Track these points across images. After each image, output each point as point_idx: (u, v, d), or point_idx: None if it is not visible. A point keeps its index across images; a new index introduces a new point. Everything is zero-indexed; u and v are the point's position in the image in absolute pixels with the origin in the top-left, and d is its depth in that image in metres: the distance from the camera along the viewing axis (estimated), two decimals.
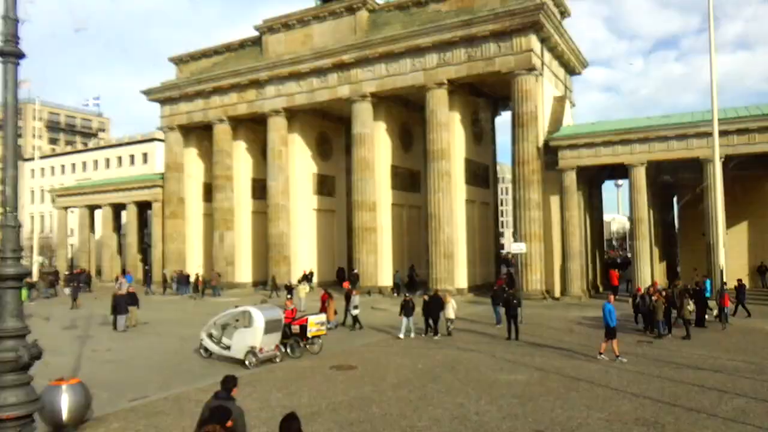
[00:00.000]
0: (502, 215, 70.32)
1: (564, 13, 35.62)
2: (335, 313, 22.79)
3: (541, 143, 30.29)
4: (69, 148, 77.31)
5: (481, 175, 37.57)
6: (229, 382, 6.75)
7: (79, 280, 38.21)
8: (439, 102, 32.82)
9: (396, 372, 13.92)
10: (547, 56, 32.81)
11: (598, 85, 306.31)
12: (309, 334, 16.03)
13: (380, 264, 35.77)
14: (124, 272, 41.49)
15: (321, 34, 36.97)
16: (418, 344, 18.00)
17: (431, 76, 32.72)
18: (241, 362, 14.89)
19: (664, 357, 15.14)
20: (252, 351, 14.61)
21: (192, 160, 44.97)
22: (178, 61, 44.84)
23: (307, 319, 16.17)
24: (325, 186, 42.76)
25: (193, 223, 44.72)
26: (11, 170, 7.48)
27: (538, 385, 12.27)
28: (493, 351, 16.32)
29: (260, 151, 44.03)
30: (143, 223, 48.70)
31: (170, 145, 43.95)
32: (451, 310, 19.26)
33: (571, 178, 29.54)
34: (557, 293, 30.32)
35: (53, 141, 79.73)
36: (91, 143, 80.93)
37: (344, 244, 44.69)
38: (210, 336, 16.11)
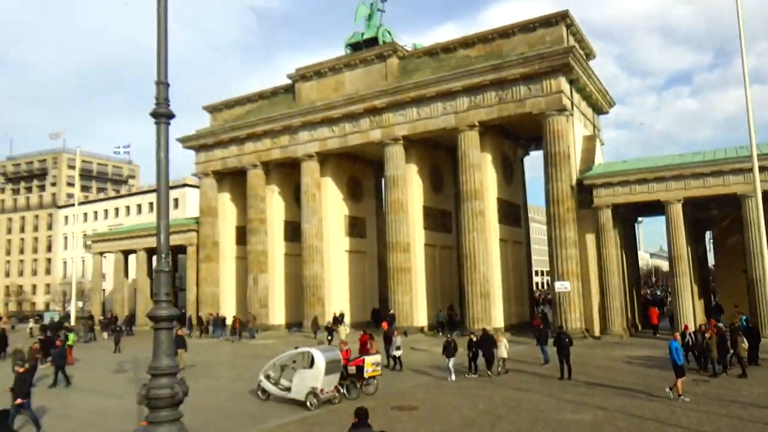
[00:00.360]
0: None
1: (589, 55, 36.41)
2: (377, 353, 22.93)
3: (574, 182, 30.63)
4: (101, 195, 79.35)
5: (512, 214, 37.87)
6: (364, 412, 7.23)
7: (121, 325, 38.74)
8: (470, 143, 33.49)
9: (458, 413, 14.01)
10: (576, 96, 33.48)
11: (612, 122, 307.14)
12: (366, 375, 16.23)
13: (415, 304, 35.88)
14: None
15: (352, 81, 38.20)
16: (469, 384, 18.05)
17: (462, 119, 33.50)
18: (301, 403, 15.08)
19: (725, 396, 15.02)
20: (313, 392, 14.82)
21: (225, 204, 45.98)
22: (212, 109, 46.44)
23: (363, 360, 16.39)
24: (356, 227, 43.35)
25: (227, 266, 45.38)
26: (164, 219, 8.01)
27: (607, 424, 12.30)
28: (550, 390, 16.31)
29: (292, 195, 45.01)
30: (175, 268, 49.46)
31: (205, 191, 45.07)
32: (504, 349, 19.34)
33: (606, 216, 29.71)
34: (596, 332, 30.04)
35: (86, 188, 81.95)
36: (123, 190, 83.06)
37: (375, 284, 44.97)
38: (267, 377, 16.36)
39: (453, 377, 18.72)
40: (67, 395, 18.89)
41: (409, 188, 36.70)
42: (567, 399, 15.06)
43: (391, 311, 34.91)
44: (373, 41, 39.94)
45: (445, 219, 41.33)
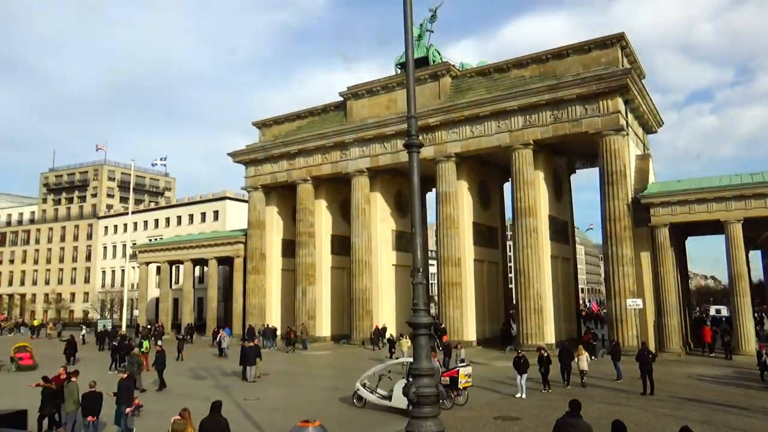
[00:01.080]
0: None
1: (641, 75, 36.94)
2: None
3: (630, 200, 31.04)
4: (141, 207, 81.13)
5: (561, 230, 38.29)
6: (578, 404, 8.23)
7: (184, 334, 39.69)
8: (525, 161, 34.09)
9: (549, 417, 14.46)
10: (630, 116, 33.99)
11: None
12: (460, 385, 16.78)
13: (465, 318, 36.33)
14: (221, 327, 42.69)
15: (404, 100, 38.92)
16: (552, 397, 18.46)
17: (517, 137, 34.15)
18: (402, 411, 15.62)
19: None
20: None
21: (272, 217, 46.99)
22: (261, 125, 47.66)
23: (458, 371, 16.96)
24: (402, 242, 44.03)
25: (273, 278, 46.29)
26: (419, 238, 9.22)
27: None
28: (640, 404, 16.73)
29: (338, 209, 46.03)
30: (223, 279, 50.51)
31: (254, 204, 46.13)
32: (585, 362, 19.80)
33: (664, 235, 30.04)
34: (652, 349, 30.20)
35: (124, 200, 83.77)
36: (161, 201, 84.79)
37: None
38: (364, 386, 16.98)
39: (524, 395, 18.48)
40: (165, 399, 19.66)
41: (460, 204, 37.35)
42: (663, 413, 15.47)
43: (442, 325, 35.42)
44: (423, 61, 40.92)
45: (492, 234, 41.88)
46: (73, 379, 13.93)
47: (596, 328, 46.67)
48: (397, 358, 28.01)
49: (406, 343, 29.42)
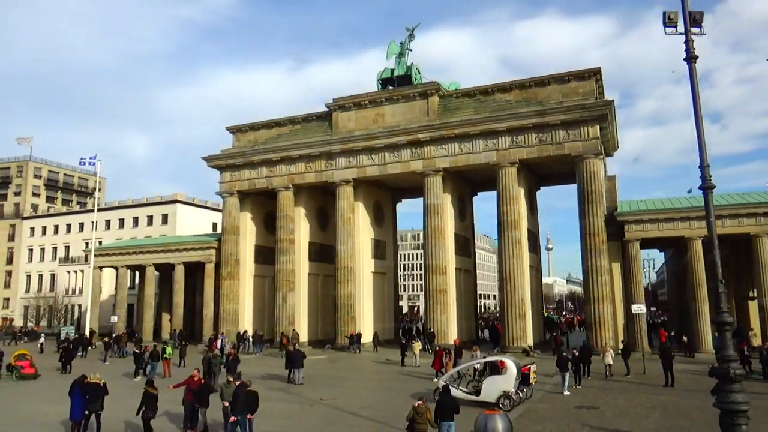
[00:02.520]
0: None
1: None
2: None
3: (605, 217, 34.91)
4: (66, 208, 76.53)
5: (534, 242, 41.84)
6: None
7: (182, 340, 38.64)
8: (510, 179, 37.14)
9: (635, 410, 17.05)
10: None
11: None
12: (532, 381, 18.93)
13: (450, 322, 38.69)
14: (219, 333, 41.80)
15: (393, 114, 41.00)
16: (595, 390, 21.10)
17: (504, 156, 37.14)
18: (489, 405, 17.47)
19: None
20: (506, 395, 17.35)
21: (246, 223, 46.90)
22: (236, 130, 47.54)
23: (529, 368, 19.09)
24: (379, 250, 45.75)
25: (246, 284, 46.20)
26: (715, 250, 11.26)
27: None
28: (676, 394, 19.74)
29: (315, 217, 47.01)
30: (188, 285, 49.41)
31: (229, 209, 45.83)
32: (610, 357, 22.73)
33: (636, 248, 34.18)
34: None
35: (50, 199, 78.50)
36: (90, 202, 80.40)
37: (392, 304, 47.57)
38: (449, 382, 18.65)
39: (567, 391, 20.75)
40: None
41: (445, 216, 39.77)
42: (701, 402, 18.50)
43: (431, 329, 37.56)
44: (406, 78, 43.13)
45: (467, 244, 44.72)
46: (230, 379, 14.47)
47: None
48: (414, 364, 29.87)
49: (417, 347, 31.27)
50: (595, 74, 36.72)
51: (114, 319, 44.01)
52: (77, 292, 66.07)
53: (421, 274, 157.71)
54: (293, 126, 45.40)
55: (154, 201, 65.30)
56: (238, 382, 14.33)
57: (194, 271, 49.49)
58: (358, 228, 42.80)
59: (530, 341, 36.92)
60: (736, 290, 37.68)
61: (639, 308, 25.76)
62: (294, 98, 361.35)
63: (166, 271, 51.29)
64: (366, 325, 42.24)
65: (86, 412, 14.17)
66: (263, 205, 48.53)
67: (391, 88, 42.81)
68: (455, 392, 18.42)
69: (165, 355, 26.91)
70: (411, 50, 45.03)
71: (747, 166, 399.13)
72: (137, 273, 56.74)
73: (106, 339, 35.09)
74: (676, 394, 19.96)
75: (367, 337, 40.83)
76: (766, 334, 30.97)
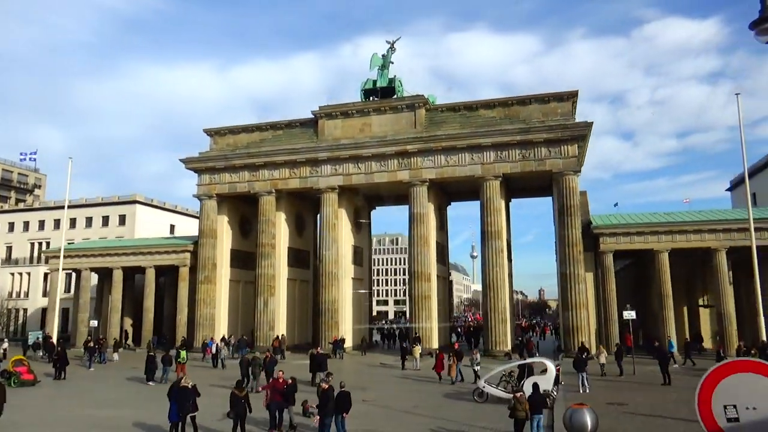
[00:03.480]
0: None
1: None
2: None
3: (581, 230, 37.64)
4: (6, 206, 72.09)
5: (509, 251, 44.19)
6: None
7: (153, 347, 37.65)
8: (494, 191, 39.26)
9: (663, 405, 19.09)
10: None
11: None
12: (561, 381, 20.63)
13: (433, 327, 40.19)
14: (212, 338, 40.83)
15: (380, 124, 42.17)
16: (603, 390, 23.15)
17: (488, 170, 39.19)
18: None
19: None
20: (547, 393, 18.90)
21: (223, 227, 46.47)
22: (214, 133, 47.03)
23: (559, 369, 20.78)
24: (357, 256, 46.68)
25: (223, 288, 45.78)
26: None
27: None
28: (684, 392, 22.07)
29: (294, 222, 47.34)
30: (157, 289, 48.18)
31: (207, 212, 45.24)
32: (603, 357, 24.98)
33: (609, 259, 37.12)
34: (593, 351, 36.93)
35: None
36: (30, 199, 76.10)
37: (366, 310, 48.62)
38: (489, 384, 20.04)
39: (588, 389, 22.91)
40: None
41: (429, 224, 41.33)
42: None
43: (417, 334, 38.87)
44: (390, 90, 44.50)
45: (444, 252, 46.49)
46: (324, 386, 14.96)
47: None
48: (415, 367, 31.07)
49: (418, 350, 32.52)
50: (572, 96, 39.52)
51: (94, 323, 42.23)
52: (22, 295, 62.35)
53: (386, 279, 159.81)
54: (275, 131, 45.55)
55: (110, 201, 62.78)
56: (326, 385, 14.95)
57: (162, 274, 48.38)
58: (342, 234, 43.56)
59: (509, 345, 39.02)
60: (690, 299, 41.47)
61: (630, 314, 28.20)
62: (222, 98, 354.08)
63: (128, 274, 49.54)
64: (347, 331, 43.07)
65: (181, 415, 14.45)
66: (238, 208, 48.31)
67: (373, 98, 43.93)
68: (497, 391, 19.91)
69: (179, 360, 26.65)
70: (393, 62, 46.39)
71: (656, 182, 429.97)
72: (72, 276, 54.46)
73: (91, 344, 33.89)
74: (681, 391, 22.29)
75: (347, 342, 41.68)
76: (726, 338, 34.47)
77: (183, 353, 27.90)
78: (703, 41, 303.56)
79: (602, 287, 37.36)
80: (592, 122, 37.60)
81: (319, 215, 43.29)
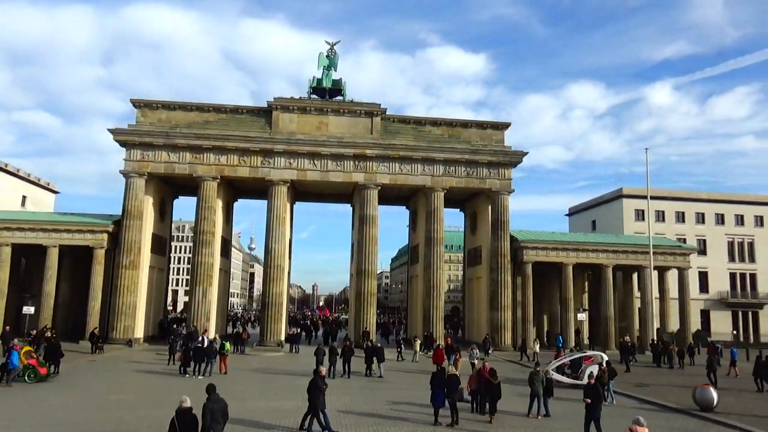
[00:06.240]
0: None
1: None
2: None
3: (509, 242, 44.26)
4: None
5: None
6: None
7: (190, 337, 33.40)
8: (440, 201, 43.84)
9: (676, 387, 25.50)
10: None
11: None
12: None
13: (372, 322, 43.00)
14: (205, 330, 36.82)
15: (337, 125, 43.58)
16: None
17: (437, 182, 43.60)
18: (581, 386, 23.88)
19: None
20: (592, 376, 23.93)
21: (148, 208, 42.87)
22: (143, 104, 43.10)
23: (592, 360, 25.94)
24: (290, 251, 47.03)
25: (144, 275, 42.30)
26: None
27: None
28: (650, 377, 29.10)
29: (225, 211, 46.00)
30: (75, 272, 42.03)
31: (135, 192, 41.16)
32: (537, 347, 31.28)
33: (529, 269, 44.34)
34: (513, 347, 43.81)
35: None
36: None
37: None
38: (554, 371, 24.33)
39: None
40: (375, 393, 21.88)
41: (377, 226, 44.08)
42: (665, 378, 28.14)
43: (367, 329, 41.37)
44: (336, 91, 46.27)
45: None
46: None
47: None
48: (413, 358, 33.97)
49: (418, 344, 35.42)
50: (505, 127, 46.04)
51: (30, 310, 35.22)
52: None
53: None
54: (219, 114, 43.56)
55: None
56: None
57: (65, 255, 42.57)
58: (289, 228, 43.78)
59: (441, 339, 43.80)
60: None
61: (582, 316, 35.08)
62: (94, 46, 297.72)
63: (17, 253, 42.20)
64: (283, 325, 43.44)
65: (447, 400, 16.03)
66: (160, 190, 45.11)
67: (316, 97, 44.90)
68: (560, 377, 24.38)
69: (224, 351, 25.55)
70: (336, 63, 47.78)
71: None
72: None
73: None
74: (647, 376, 29.33)
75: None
76: (601, 338, 43.94)
77: (227, 345, 26.63)
78: (473, 73, 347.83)
79: (522, 292, 44.39)
80: (528, 152, 44.53)
81: (267, 207, 42.72)
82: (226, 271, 50.23)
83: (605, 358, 24.42)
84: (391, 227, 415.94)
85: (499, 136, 45.68)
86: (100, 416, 16.42)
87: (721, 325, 57.32)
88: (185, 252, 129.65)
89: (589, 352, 26.60)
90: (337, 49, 48.00)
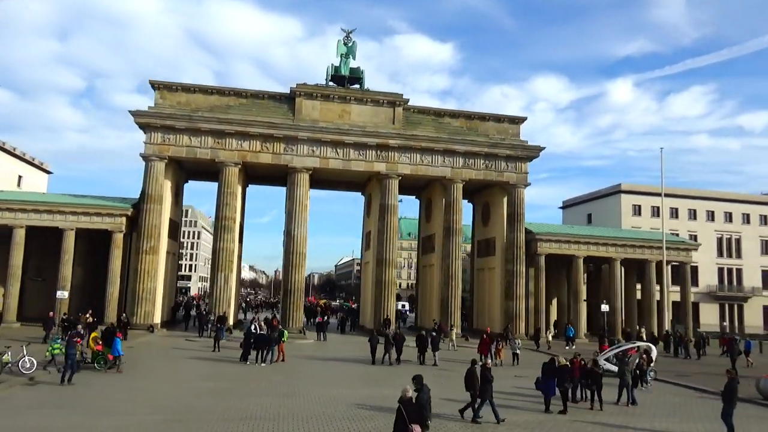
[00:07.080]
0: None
1: None
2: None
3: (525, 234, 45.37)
4: None
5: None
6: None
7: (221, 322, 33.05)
8: (459, 193, 44.58)
9: (692, 374, 26.95)
10: None
11: None
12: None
13: (392, 310, 43.55)
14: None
15: (359, 114, 43.65)
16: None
17: (457, 174, 44.26)
18: None
19: None
20: (637, 365, 25.15)
21: (167, 193, 42.20)
22: (163, 86, 42.22)
23: (636, 350, 27.10)
24: None
25: (162, 260, 41.73)
26: None
27: None
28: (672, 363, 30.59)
29: (242, 197, 45.65)
30: (93, 255, 40.97)
31: (155, 176, 40.45)
32: (550, 336, 32.60)
33: (542, 261, 45.57)
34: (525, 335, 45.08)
35: None
36: None
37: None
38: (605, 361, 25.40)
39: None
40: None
41: (397, 215, 44.52)
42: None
43: (387, 317, 41.90)
44: (355, 79, 46.31)
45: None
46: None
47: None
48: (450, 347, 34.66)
49: (454, 333, 36.09)
50: (522, 121, 46.94)
51: (62, 294, 34.14)
52: None
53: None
54: (240, 99, 43.07)
55: None
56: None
57: (78, 239, 41.52)
58: (308, 215, 43.79)
59: (459, 328, 44.74)
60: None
61: (605, 307, 36.38)
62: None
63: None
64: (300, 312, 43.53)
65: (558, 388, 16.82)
66: (176, 174, 44.42)
67: (334, 85, 44.86)
68: (609, 365, 25.48)
69: (283, 339, 25.64)
70: (353, 55, 47.74)
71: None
72: None
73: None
74: (676, 365, 30.81)
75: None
76: (614, 327, 45.68)
77: (286, 333, 26.71)
78: (440, 61, 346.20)
79: (535, 283, 45.65)
80: (545, 147, 45.56)
81: (287, 194, 42.64)
82: (238, 256, 49.81)
83: (654, 348, 25.63)
84: (342, 213, 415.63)
85: (515, 130, 46.57)
86: (214, 404, 16.41)
87: (710, 317, 60.15)
88: (189, 237, 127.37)
89: (639, 344, 27.83)
90: (354, 36, 47.98)
